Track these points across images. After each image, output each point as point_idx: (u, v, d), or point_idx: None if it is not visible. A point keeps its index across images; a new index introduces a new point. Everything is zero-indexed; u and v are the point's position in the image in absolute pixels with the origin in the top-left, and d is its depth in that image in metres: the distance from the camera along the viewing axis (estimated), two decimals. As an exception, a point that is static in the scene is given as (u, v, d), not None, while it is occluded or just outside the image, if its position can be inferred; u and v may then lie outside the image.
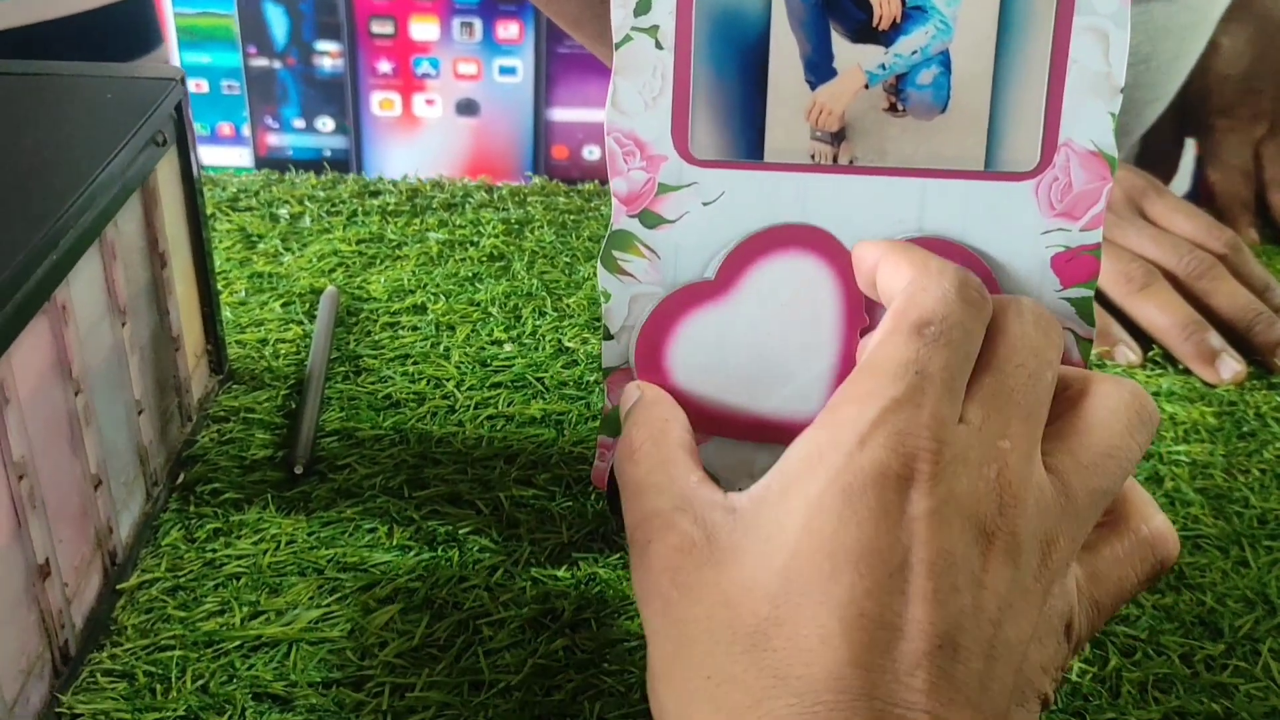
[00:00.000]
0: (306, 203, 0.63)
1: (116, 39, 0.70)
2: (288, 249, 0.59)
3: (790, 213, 0.38)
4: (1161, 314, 0.55)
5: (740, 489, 0.40)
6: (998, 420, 0.29)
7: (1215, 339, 0.54)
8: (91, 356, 0.36)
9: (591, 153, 1.72)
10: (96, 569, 0.37)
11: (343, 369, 0.50)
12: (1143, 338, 0.56)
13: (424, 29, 1.65)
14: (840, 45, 0.37)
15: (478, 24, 1.64)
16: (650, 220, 0.38)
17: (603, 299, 0.39)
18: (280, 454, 0.44)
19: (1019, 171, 0.37)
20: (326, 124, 1.71)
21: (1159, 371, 0.54)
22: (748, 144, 0.38)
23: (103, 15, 0.68)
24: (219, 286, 0.50)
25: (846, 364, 0.37)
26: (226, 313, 0.53)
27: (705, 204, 0.38)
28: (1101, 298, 0.57)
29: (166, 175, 0.42)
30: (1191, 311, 0.55)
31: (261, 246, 0.59)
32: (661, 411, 0.35)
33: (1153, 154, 0.79)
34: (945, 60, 0.37)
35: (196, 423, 0.45)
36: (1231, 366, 0.53)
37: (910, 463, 0.28)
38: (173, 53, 1.61)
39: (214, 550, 0.40)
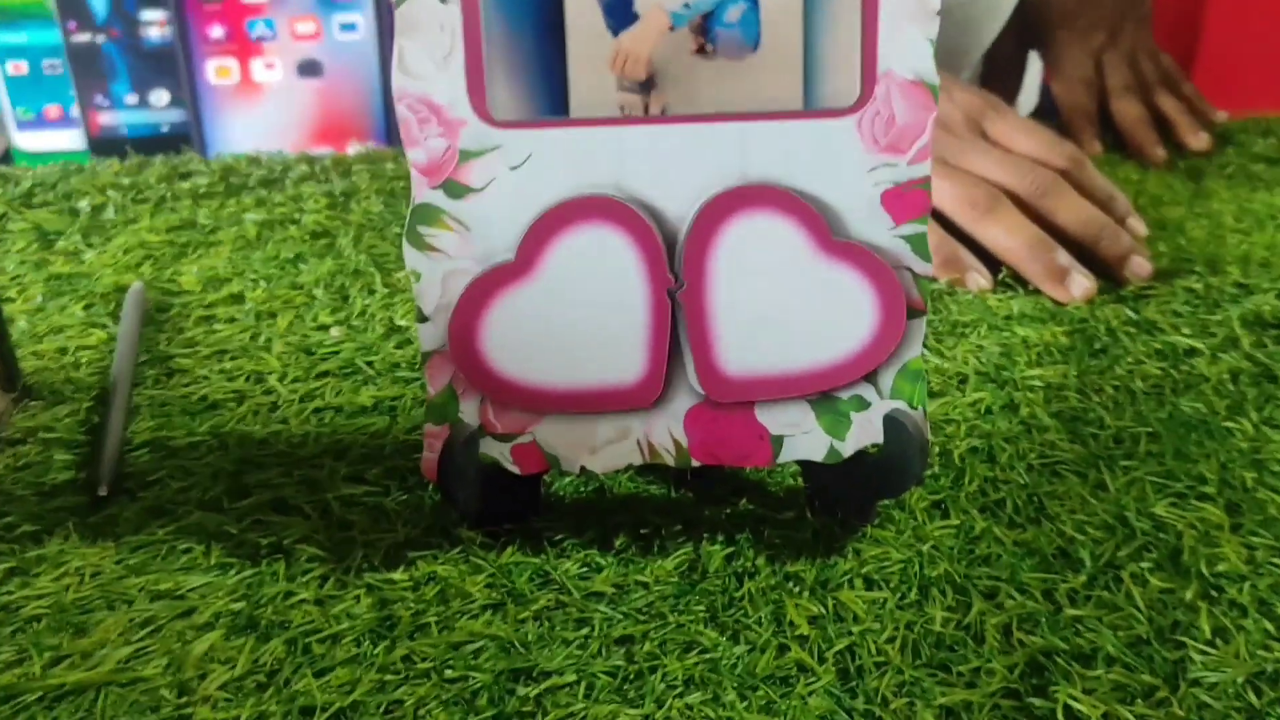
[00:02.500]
0: (109, 192, 0.59)
1: None
2: (89, 245, 0.54)
3: (604, 171, 0.35)
4: (1008, 236, 0.54)
5: (583, 466, 0.38)
6: None
7: (1063, 256, 0.54)
8: None
9: (446, 106, 1.67)
10: None
11: (153, 372, 0.46)
12: (991, 261, 0.55)
13: (255, -11, 1.57)
14: (639, -15, 0.34)
15: (311, -20, 1.56)
16: (455, 191, 0.35)
17: (413, 279, 0.36)
18: (82, 475, 0.41)
19: (839, 108, 0.35)
20: (161, 98, 1.62)
21: (1009, 294, 0.53)
22: (551, 100, 0.35)
23: None
24: (12, 294, 0.46)
25: (658, 323, 0.36)
26: (21, 322, 0.48)
27: (512, 168, 0.35)
28: (948, 223, 0.56)
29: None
30: (1038, 231, 0.54)
31: (60, 245, 0.54)
32: None
33: (997, 71, 0.79)
34: (752, -6, 0.34)
35: (-13, 450, 0.41)
36: (1081, 284, 0.53)
37: None
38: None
39: (9, 593, 0.36)
